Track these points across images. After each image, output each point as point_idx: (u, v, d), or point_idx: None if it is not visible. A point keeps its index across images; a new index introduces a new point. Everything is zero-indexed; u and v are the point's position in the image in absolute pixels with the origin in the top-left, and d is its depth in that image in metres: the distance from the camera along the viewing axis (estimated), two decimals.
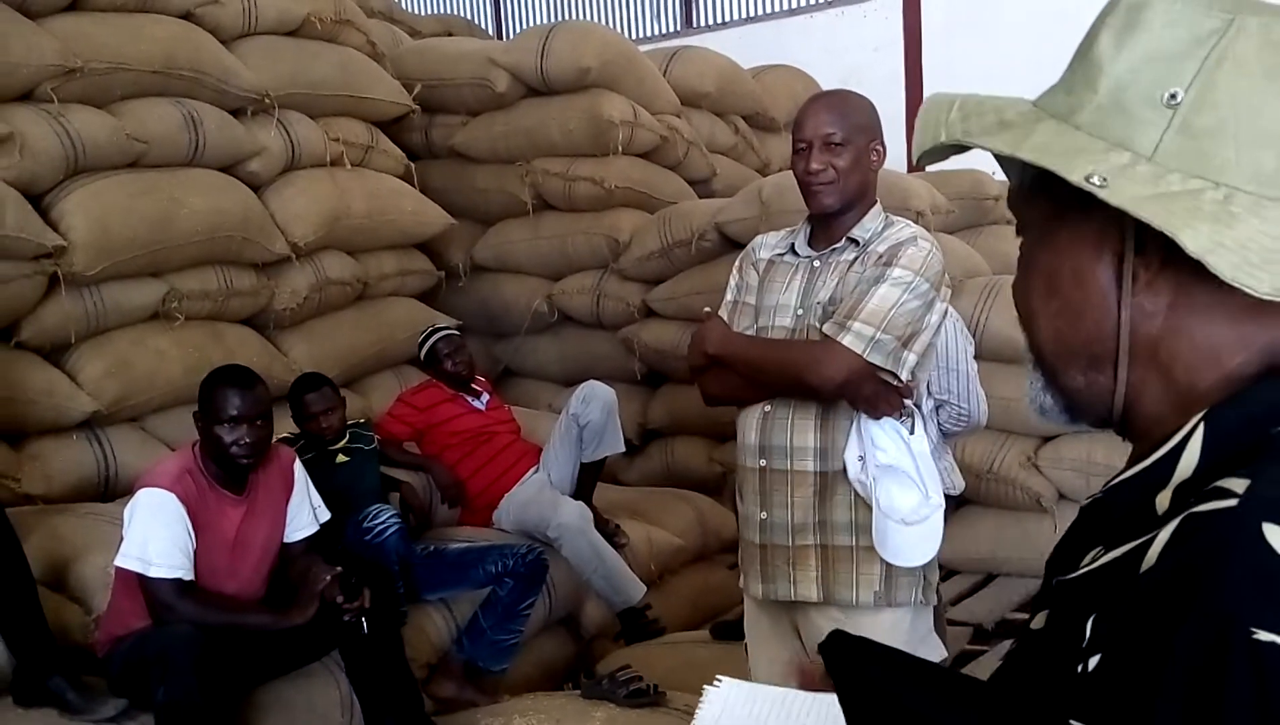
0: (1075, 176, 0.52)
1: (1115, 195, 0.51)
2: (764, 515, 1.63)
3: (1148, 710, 0.46)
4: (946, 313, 1.66)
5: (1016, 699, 0.58)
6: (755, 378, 1.63)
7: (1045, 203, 0.57)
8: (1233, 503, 0.47)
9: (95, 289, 2.82)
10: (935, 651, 1.64)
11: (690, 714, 2.30)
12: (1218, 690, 0.44)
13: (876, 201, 1.66)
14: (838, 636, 0.73)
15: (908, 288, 1.54)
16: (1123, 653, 0.49)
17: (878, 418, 1.55)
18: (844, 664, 0.70)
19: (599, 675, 2.32)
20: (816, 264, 1.64)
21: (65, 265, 2.71)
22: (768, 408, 1.63)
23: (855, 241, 1.62)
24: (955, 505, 3.26)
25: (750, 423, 1.65)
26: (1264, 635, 0.44)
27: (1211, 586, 0.45)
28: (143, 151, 2.93)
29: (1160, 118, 0.53)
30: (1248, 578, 0.45)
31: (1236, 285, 0.49)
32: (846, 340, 1.53)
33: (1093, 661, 0.51)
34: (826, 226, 1.65)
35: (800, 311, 1.62)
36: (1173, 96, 0.53)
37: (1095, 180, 0.52)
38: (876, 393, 1.55)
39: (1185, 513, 0.49)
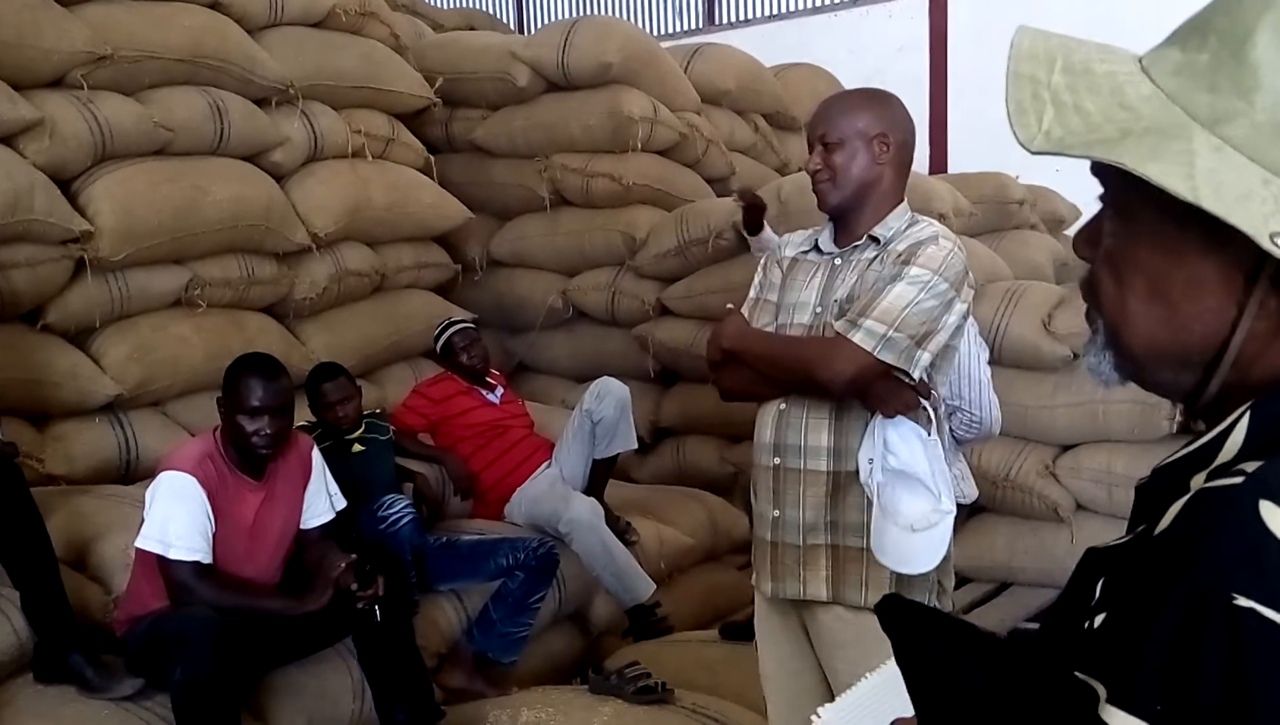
0: (1264, 241, 0.49)
1: None
2: (776, 513, 1.63)
3: (1135, 661, 0.50)
4: (968, 314, 1.64)
5: (1040, 660, 0.60)
6: (769, 373, 1.63)
7: (1160, 197, 0.51)
8: (1239, 480, 0.50)
9: (120, 274, 2.86)
10: None
11: (697, 712, 2.31)
12: (1195, 648, 0.47)
13: (903, 201, 1.65)
14: (892, 599, 0.75)
15: (924, 287, 1.53)
16: (1122, 609, 0.53)
17: (890, 416, 1.54)
18: (898, 628, 0.71)
19: (607, 671, 2.33)
20: (838, 262, 1.64)
21: (91, 250, 2.75)
22: (783, 406, 1.63)
23: (876, 240, 1.61)
24: (968, 513, 3.25)
25: (766, 420, 1.65)
26: (1243, 601, 0.47)
27: (1203, 553, 0.49)
28: (169, 139, 2.97)
29: None
30: (1236, 548, 0.48)
31: None
32: (857, 337, 1.52)
33: (1098, 619, 0.54)
34: (847, 224, 1.64)
35: (819, 309, 1.62)
36: None
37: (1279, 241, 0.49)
38: (888, 391, 1.54)
39: (1199, 488, 0.52)
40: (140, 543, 2.09)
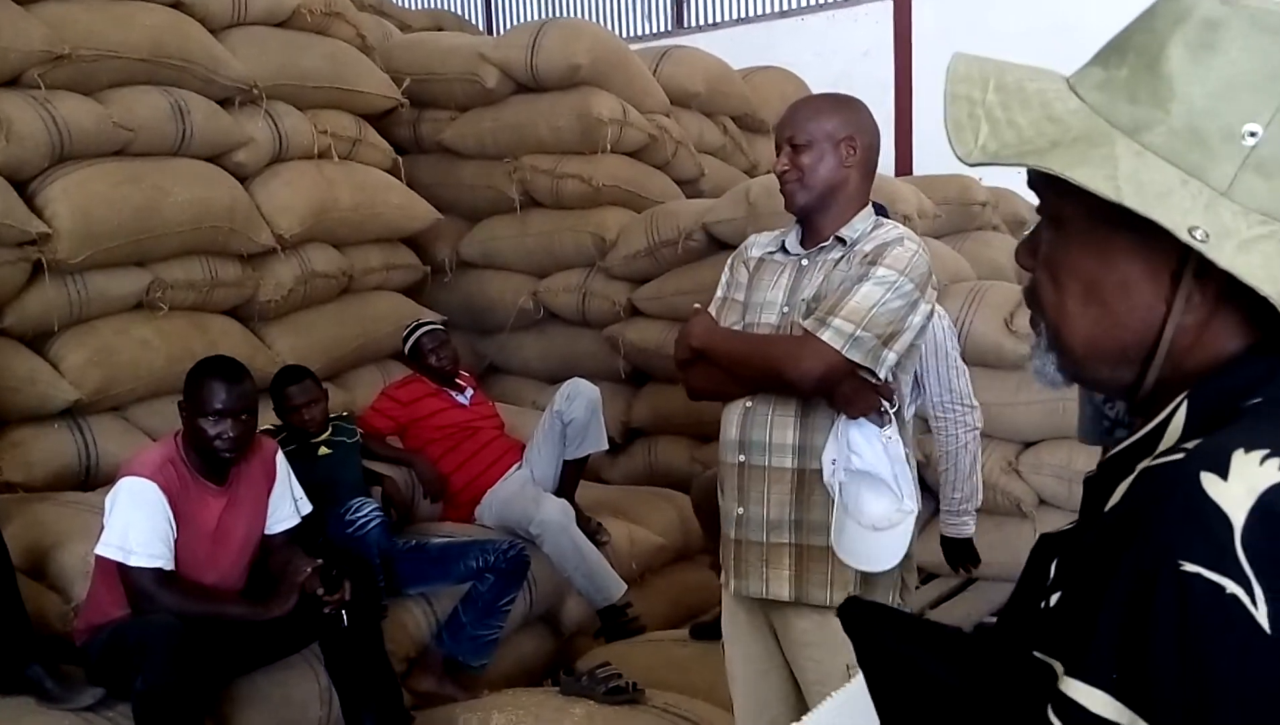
0: (1183, 234, 0.52)
1: (1217, 253, 0.52)
2: (740, 510, 1.64)
3: (1090, 631, 0.51)
4: (932, 315, 1.66)
5: (1000, 647, 0.62)
6: (737, 372, 1.64)
7: (1089, 204, 0.55)
8: (1180, 456, 0.52)
9: (79, 277, 2.81)
10: None
11: (668, 712, 2.31)
12: (1147, 614, 0.49)
13: (869, 204, 1.67)
14: (854, 602, 0.76)
15: (891, 287, 1.55)
16: (1076, 584, 0.55)
17: (855, 417, 1.56)
18: (860, 630, 0.72)
19: (578, 672, 2.34)
20: (804, 262, 1.66)
21: (49, 252, 2.69)
22: (749, 403, 1.64)
23: (842, 241, 1.64)
24: (933, 510, 3.29)
25: (732, 418, 1.67)
26: (1190, 567, 0.48)
27: (1150, 524, 0.51)
28: (129, 140, 2.92)
29: (1236, 152, 0.54)
30: (1181, 516, 0.50)
31: None
32: (826, 336, 1.54)
33: (1054, 598, 0.56)
34: (813, 226, 1.66)
35: (786, 309, 1.64)
36: (1251, 134, 0.53)
37: (1198, 235, 0.52)
38: (855, 391, 1.56)
39: (1144, 466, 0.54)
40: (100, 550, 2.05)
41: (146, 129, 2.94)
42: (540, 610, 2.92)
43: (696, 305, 1.76)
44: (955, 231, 3.94)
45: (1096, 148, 0.55)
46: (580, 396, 3.04)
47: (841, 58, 6.09)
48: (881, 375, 1.58)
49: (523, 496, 2.97)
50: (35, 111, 2.72)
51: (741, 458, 1.65)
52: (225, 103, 3.22)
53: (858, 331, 1.54)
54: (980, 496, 2.32)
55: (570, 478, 3.10)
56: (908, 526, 1.56)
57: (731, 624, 1.74)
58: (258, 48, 3.33)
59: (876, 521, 1.53)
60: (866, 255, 1.59)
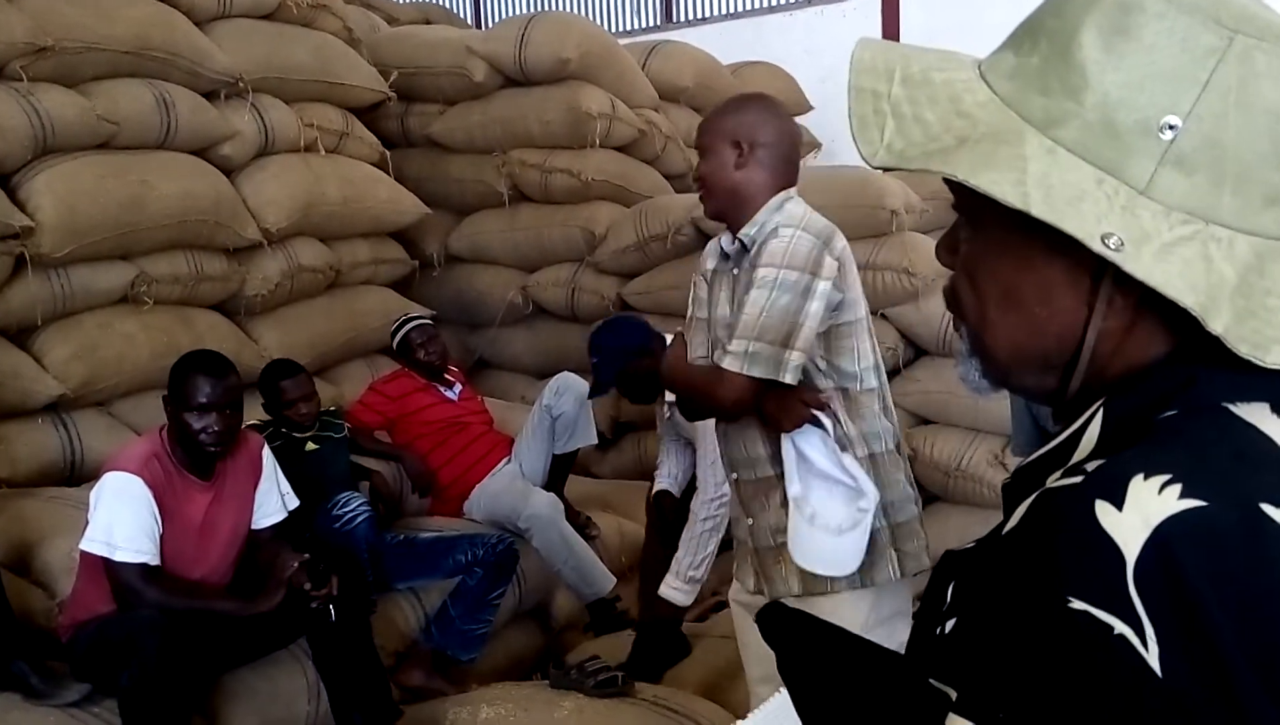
0: (1095, 244, 0.48)
1: (1134, 263, 0.48)
2: (750, 521, 1.68)
3: (977, 668, 0.49)
4: (843, 288, 1.56)
5: (904, 669, 0.60)
6: (691, 404, 1.68)
7: (1002, 205, 0.51)
8: (1078, 480, 0.49)
9: (63, 271, 2.79)
10: (904, 631, 1.66)
11: (657, 704, 2.32)
12: (1034, 653, 0.47)
13: (771, 200, 1.61)
14: (775, 608, 0.74)
15: (773, 285, 1.51)
16: (970, 614, 0.53)
17: (789, 431, 1.54)
18: (782, 637, 0.71)
19: (568, 665, 2.34)
20: (736, 271, 1.65)
21: (32, 246, 2.67)
22: (724, 424, 1.69)
23: (744, 245, 1.62)
24: (923, 503, 3.31)
25: (719, 437, 1.72)
26: (1077, 604, 0.45)
27: (1040, 556, 0.48)
28: (113, 133, 2.89)
29: (1154, 147, 0.50)
30: (1071, 549, 0.47)
31: (1251, 360, 0.48)
32: (726, 362, 1.53)
33: (949, 624, 0.54)
34: (731, 230, 1.65)
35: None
36: (1170, 126, 0.49)
37: (1112, 243, 0.48)
38: (780, 408, 1.54)
39: (1043, 488, 0.50)
40: (85, 545, 2.04)
41: (131, 122, 2.92)
42: (529, 604, 2.92)
43: (679, 330, 1.77)
44: (944, 226, 3.95)
45: (1006, 146, 0.51)
46: (569, 391, 3.04)
47: (830, 53, 6.07)
48: (788, 379, 1.53)
49: (512, 491, 2.97)
50: (18, 104, 2.69)
51: (734, 475, 1.69)
52: (210, 96, 3.19)
53: (750, 346, 1.51)
54: None
55: (559, 472, 3.10)
56: (866, 525, 1.54)
57: (746, 623, 1.75)
58: (243, 40, 3.31)
59: (841, 523, 1.52)
60: (754, 262, 1.57)
